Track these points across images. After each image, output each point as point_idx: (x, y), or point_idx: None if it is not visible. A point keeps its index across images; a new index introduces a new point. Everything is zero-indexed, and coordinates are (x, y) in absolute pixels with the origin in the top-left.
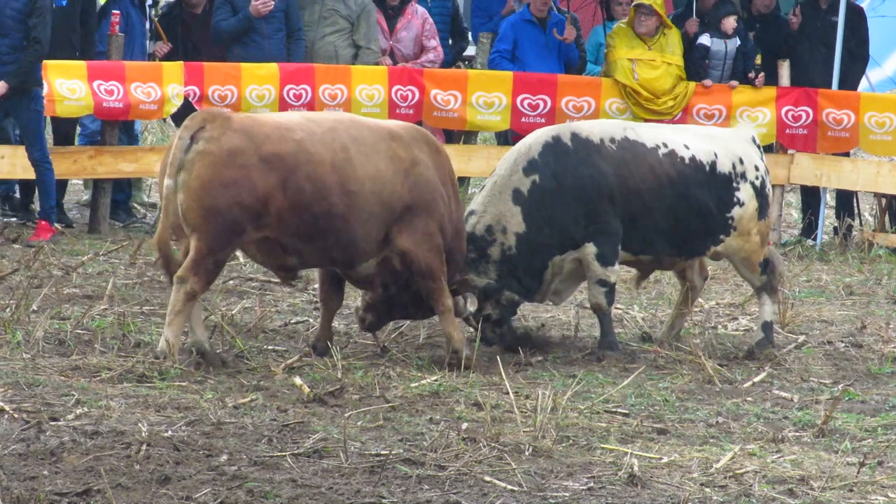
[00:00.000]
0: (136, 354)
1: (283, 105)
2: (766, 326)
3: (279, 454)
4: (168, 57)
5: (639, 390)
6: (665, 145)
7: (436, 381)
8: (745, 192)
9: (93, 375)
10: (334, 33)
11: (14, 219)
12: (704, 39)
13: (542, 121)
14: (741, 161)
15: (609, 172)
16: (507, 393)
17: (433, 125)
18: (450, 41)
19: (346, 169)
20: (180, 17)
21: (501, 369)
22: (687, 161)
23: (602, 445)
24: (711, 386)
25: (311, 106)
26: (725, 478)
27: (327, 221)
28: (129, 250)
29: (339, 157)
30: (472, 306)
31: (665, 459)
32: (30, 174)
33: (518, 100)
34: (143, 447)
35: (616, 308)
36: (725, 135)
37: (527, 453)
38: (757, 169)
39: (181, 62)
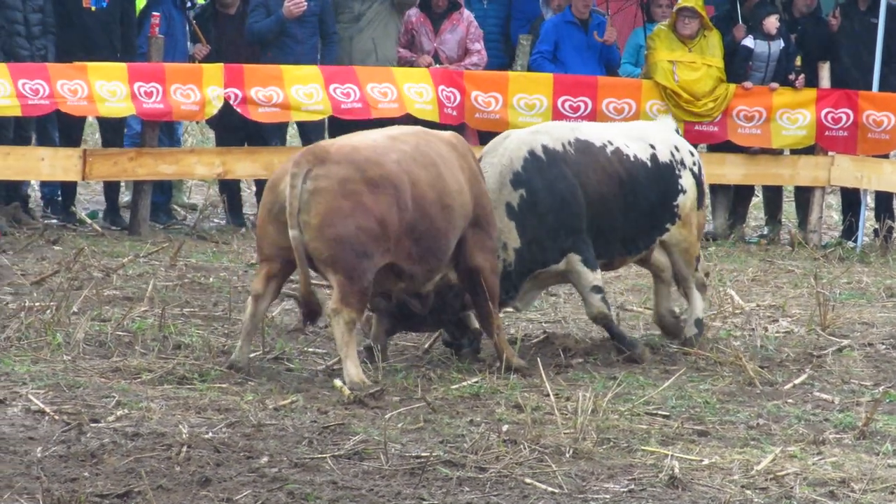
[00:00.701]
0: (177, 356)
1: (334, 103)
2: (699, 322)
3: (320, 456)
4: (205, 58)
5: (679, 392)
6: (611, 143)
7: (476, 382)
8: (686, 180)
9: (133, 377)
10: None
11: (55, 221)
12: (748, 41)
13: None
14: (677, 149)
15: (573, 179)
16: (548, 395)
17: (475, 127)
18: (503, 46)
19: (439, 184)
20: (214, 17)
21: (542, 371)
22: (633, 158)
23: (643, 447)
24: (752, 388)
25: (363, 102)
26: (766, 480)
27: (433, 241)
28: (169, 252)
29: (432, 173)
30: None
31: (706, 461)
32: (72, 176)
33: (559, 102)
34: (184, 449)
35: (648, 309)
36: (654, 126)
37: (567, 455)
38: (693, 155)
39: (221, 64)
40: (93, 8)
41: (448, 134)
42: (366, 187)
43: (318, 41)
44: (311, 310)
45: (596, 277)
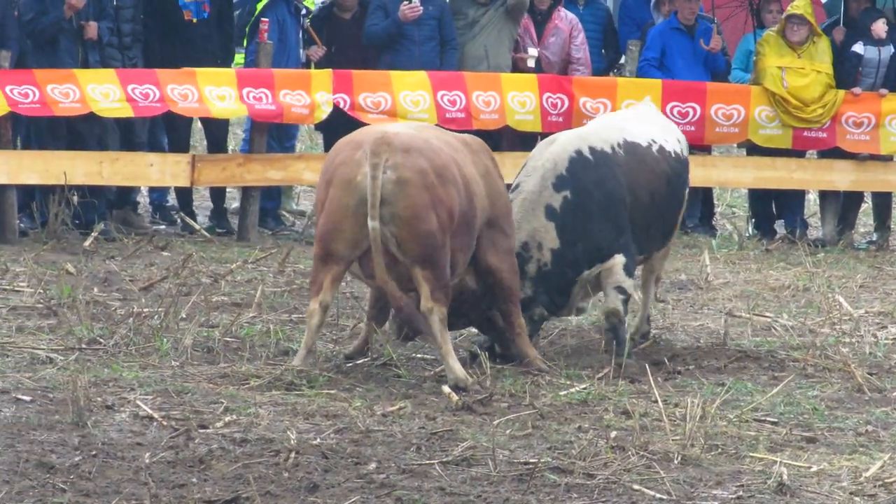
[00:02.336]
0: (285, 362)
1: (440, 111)
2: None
3: (427, 462)
4: (320, 61)
5: (788, 399)
6: (654, 141)
7: (584, 389)
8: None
9: (241, 383)
10: (482, 34)
11: (163, 227)
12: (858, 48)
13: (692, 129)
14: (679, 140)
15: (623, 180)
16: (656, 401)
17: None
18: (602, 51)
19: (467, 168)
20: (327, 22)
21: (650, 378)
22: (673, 154)
23: (751, 454)
24: (861, 395)
25: (466, 111)
26: (875, 487)
27: (472, 231)
28: (277, 258)
29: (461, 157)
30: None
31: (814, 468)
32: (180, 181)
33: (668, 108)
34: (292, 455)
35: (764, 317)
36: (656, 113)
37: (675, 462)
38: (679, 142)
39: (329, 70)
40: (195, 20)
41: (468, 136)
42: (437, 179)
43: (438, 45)
44: (396, 298)
45: (627, 281)
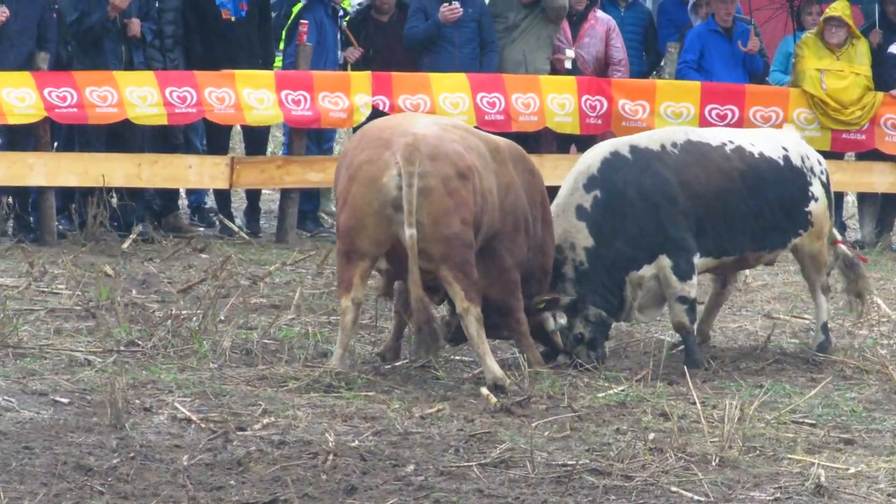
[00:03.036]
0: (323, 364)
1: (479, 113)
2: (826, 328)
3: (466, 464)
4: (356, 63)
5: (826, 401)
6: (731, 142)
7: (622, 391)
8: (816, 188)
9: (280, 385)
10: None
11: (202, 229)
12: (894, 48)
13: None
14: (808, 157)
15: (671, 178)
16: (694, 403)
17: (622, 136)
18: (643, 54)
19: (484, 170)
20: (365, 24)
21: (689, 379)
22: (757, 155)
23: (789, 456)
24: None
25: (505, 114)
26: None
27: (484, 226)
28: (316, 260)
29: (479, 158)
30: (562, 319)
31: (852, 470)
32: (219, 183)
33: (706, 110)
34: (330, 457)
35: (803, 319)
36: (783, 133)
37: (713, 464)
38: (821, 163)
39: (369, 72)
40: (233, 18)
41: (501, 140)
42: (460, 181)
43: (477, 47)
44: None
45: (685, 287)
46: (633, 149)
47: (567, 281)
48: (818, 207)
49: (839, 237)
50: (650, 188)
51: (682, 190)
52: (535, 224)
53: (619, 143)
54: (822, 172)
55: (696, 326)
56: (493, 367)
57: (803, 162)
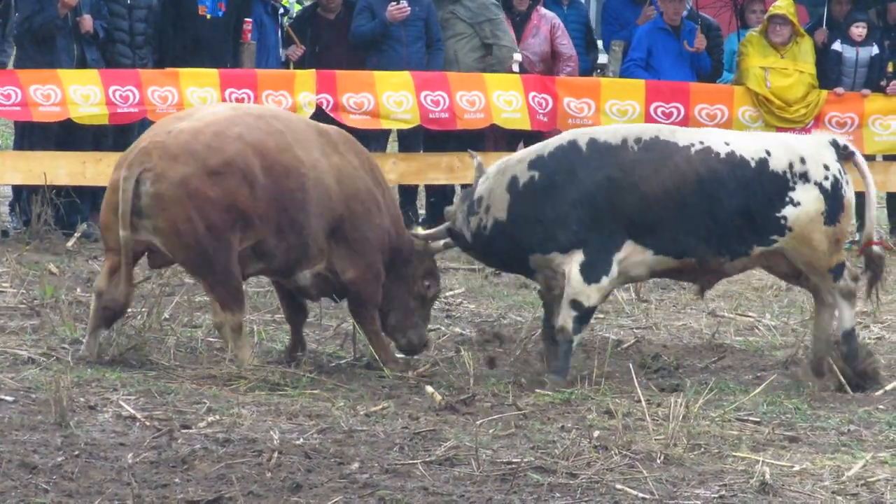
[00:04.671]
0: (268, 362)
1: (423, 111)
2: (849, 336)
3: (411, 462)
4: (300, 61)
5: (770, 398)
6: (701, 143)
7: (567, 389)
8: (803, 193)
9: (224, 383)
10: (453, 38)
11: None
12: (836, 46)
13: None
14: (803, 161)
15: (616, 175)
16: (639, 401)
17: None
18: (585, 52)
19: (289, 152)
20: (311, 22)
21: (633, 377)
22: (723, 156)
23: (734, 453)
24: (843, 394)
25: (450, 111)
26: (857, 486)
27: (294, 210)
28: None
29: (280, 140)
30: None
31: (797, 467)
32: None
33: (651, 108)
34: (275, 455)
35: (747, 317)
36: (793, 138)
37: (658, 461)
38: (826, 169)
39: (313, 70)
40: (208, 16)
41: (331, 127)
42: (209, 179)
43: (424, 46)
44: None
45: (585, 291)
46: (592, 141)
47: (466, 228)
48: (800, 213)
49: (874, 238)
50: (588, 182)
51: (627, 188)
52: (385, 200)
53: (581, 133)
54: (825, 178)
55: (578, 337)
56: (245, 356)
57: (790, 167)
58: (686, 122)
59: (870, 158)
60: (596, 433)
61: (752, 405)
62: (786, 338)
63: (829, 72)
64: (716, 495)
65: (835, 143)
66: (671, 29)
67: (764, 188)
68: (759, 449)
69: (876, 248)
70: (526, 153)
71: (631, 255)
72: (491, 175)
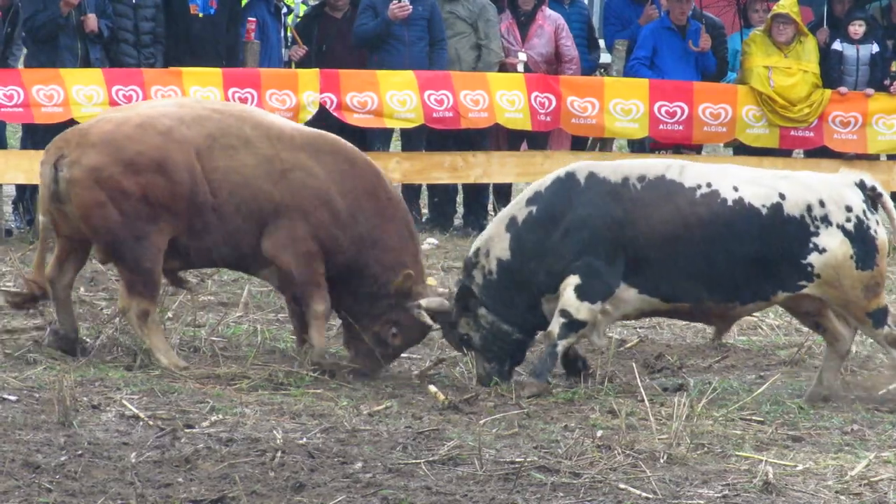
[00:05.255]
0: (271, 362)
1: (427, 110)
2: None
3: (414, 461)
4: (301, 61)
5: (773, 398)
6: (708, 185)
7: (571, 388)
8: (827, 238)
9: (228, 383)
10: (455, 37)
11: None
12: (836, 45)
13: (680, 128)
14: (822, 203)
15: (617, 214)
16: (642, 400)
17: (572, 132)
18: (588, 51)
19: (207, 157)
20: (318, 20)
21: (637, 376)
22: (730, 203)
23: (737, 453)
24: (847, 394)
25: (454, 110)
26: (860, 485)
27: (205, 213)
28: None
29: (204, 144)
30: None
31: (800, 467)
32: None
33: (655, 107)
34: (278, 454)
35: (751, 316)
36: (814, 178)
37: (661, 461)
38: (849, 210)
39: (317, 69)
40: (200, 14)
41: (301, 129)
42: (123, 169)
43: (427, 45)
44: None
45: (577, 305)
46: (591, 175)
47: (474, 285)
48: (827, 259)
49: None
50: (584, 218)
51: (625, 226)
52: (357, 215)
53: (581, 167)
54: (847, 220)
55: (562, 344)
56: (164, 360)
57: (808, 211)
58: (690, 120)
59: (874, 158)
60: (599, 433)
61: (755, 405)
62: (789, 337)
63: (831, 71)
64: (719, 495)
65: (861, 185)
66: (677, 28)
67: (780, 235)
68: (762, 448)
69: None
70: (524, 193)
71: (619, 292)
72: (488, 228)
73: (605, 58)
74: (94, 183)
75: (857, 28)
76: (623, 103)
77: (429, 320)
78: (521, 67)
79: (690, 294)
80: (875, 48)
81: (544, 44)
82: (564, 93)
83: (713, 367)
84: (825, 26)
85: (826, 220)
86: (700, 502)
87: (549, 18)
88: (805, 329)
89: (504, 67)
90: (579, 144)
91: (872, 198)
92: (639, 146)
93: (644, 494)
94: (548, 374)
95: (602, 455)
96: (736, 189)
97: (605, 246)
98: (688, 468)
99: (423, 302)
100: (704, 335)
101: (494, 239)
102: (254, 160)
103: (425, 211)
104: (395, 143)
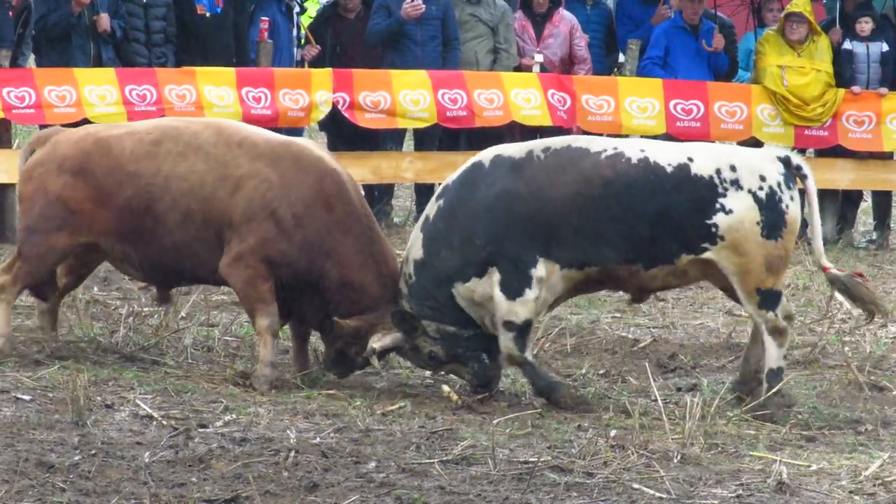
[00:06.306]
0: (285, 361)
1: (440, 109)
2: (774, 374)
3: (427, 461)
4: (315, 61)
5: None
6: (615, 148)
7: (584, 388)
8: (735, 201)
9: (241, 383)
10: (474, 39)
11: None
12: (847, 45)
13: (698, 125)
14: (732, 168)
15: (517, 187)
16: (656, 400)
17: (588, 129)
18: (605, 53)
19: (146, 162)
20: (332, 20)
21: (651, 376)
22: (634, 161)
23: (751, 453)
24: (860, 393)
25: (468, 109)
26: (874, 485)
27: (137, 219)
28: None
29: (143, 150)
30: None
31: (814, 467)
32: None
33: (671, 104)
34: (292, 454)
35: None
36: (730, 148)
37: (675, 461)
38: (763, 180)
39: (329, 69)
40: (207, 14)
41: (276, 138)
42: (55, 168)
43: (440, 45)
44: None
45: (513, 309)
46: (497, 158)
47: (403, 298)
48: (733, 221)
49: (826, 264)
50: (488, 197)
51: (529, 198)
52: (315, 227)
53: (487, 153)
54: (759, 188)
55: (528, 352)
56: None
57: (718, 174)
58: (707, 118)
59: (888, 156)
60: (613, 432)
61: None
62: (802, 337)
63: (843, 70)
64: (733, 495)
65: (785, 161)
66: (690, 28)
67: (685, 194)
68: (776, 448)
69: (833, 272)
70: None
71: (552, 273)
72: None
73: (620, 58)
74: (28, 177)
75: (864, 25)
76: (639, 101)
77: (377, 364)
78: (536, 69)
79: (596, 257)
80: (885, 46)
81: (559, 44)
82: (579, 91)
83: (727, 366)
84: (838, 26)
85: (736, 183)
86: (714, 502)
87: (565, 20)
88: (819, 329)
89: (519, 68)
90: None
91: (797, 176)
92: None
93: (658, 494)
94: (549, 388)
95: (615, 455)
96: (642, 151)
97: (513, 223)
98: (701, 468)
99: (376, 344)
100: (718, 335)
101: (413, 243)
102: (204, 167)
103: None
104: (408, 143)
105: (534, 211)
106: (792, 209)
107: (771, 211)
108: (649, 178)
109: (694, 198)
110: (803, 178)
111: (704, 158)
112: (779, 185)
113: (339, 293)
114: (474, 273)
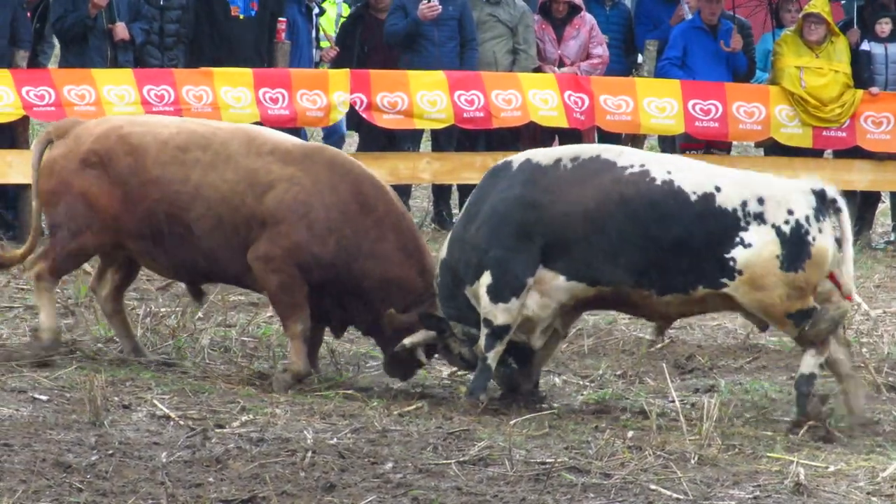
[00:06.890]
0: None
1: (457, 110)
2: (802, 380)
3: (444, 462)
4: (341, 62)
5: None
6: (641, 165)
7: (601, 389)
8: (756, 235)
9: (258, 383)
10: (493, 39)
11: None
12: (865, 45)
13: (716, 125)
14: (761, 201)
15: (537, 196)
16: (673, 401)
17: (607, 129)
18: (623, 54)
19: (173, 168)
20: (362, 21)
21: (667, 377)
22: (658, 183)
23: (768, 454)
24: (878, 395)
25: (485, 111)
26: (892, 487)
27: (164, 224)
28: None
29: (168, 154)
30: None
31: (831, 468)
32: None
33: (689, 104)
34: (309, 454)
35: None
36: (762, 178)
37: (692, 462)
38: (790, 213)
39: (347, 70)
40: (241, 16)
41: (296, 143)
42: (77, 165)
43: (457, 46)
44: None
45: (493, 311)
46: (525, 162)
47: (439, 300)
48: (751, 255)
49: (854, 295)
50: (502, 202)
51: (542, 206)
52: (353, 230)
53: (521, 155)
54: (785, 222)
55: (492, 355)
56: (44, 322)
57: (743, 206)
58: (725, 118)
59: None
60: (630, 433)
61: (786, 406)
62: None
63: (861, 71)
64: (750, 496)
65: (820, 193)
66: (708, 28)
67: (706, 225)
68: (793, 450)
69: (846, 304)
70: None
71: (546, 280)
72: None
73: (638, 58)
74: (51, 171)
75: (884, 26)
76: (657, 101)
77: (423, 358)
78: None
79: (608, 276)
80: None
81: (579, 45)
82: (596, 92)
83: (744, 367)
84: (856, 27)
85: (760, 217)
86: (731, 503)
87: (585, 21)
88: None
89: (539, 69)
90: (611, 143)
91: (833, 210)
92: (670, 144)
93: (675, 495)
94: (481, 391)
95: (633, 456)
96: (669, 172)
97: (518, 230)
98: (719, 469)
99: (406, 341)
100: (735, 336)
101: (444, 244)
102: (234, 174)
103: (455, 211)
104: (426, 144)
105: (545, 219)
106: (819, 241)
107: (794, 245)
108: (669, 203)
109: (714, 230)
110: (837, 211)
111: (732, 189)
112: (807, 218)
113: (383, 291)
114: (476, 276)
